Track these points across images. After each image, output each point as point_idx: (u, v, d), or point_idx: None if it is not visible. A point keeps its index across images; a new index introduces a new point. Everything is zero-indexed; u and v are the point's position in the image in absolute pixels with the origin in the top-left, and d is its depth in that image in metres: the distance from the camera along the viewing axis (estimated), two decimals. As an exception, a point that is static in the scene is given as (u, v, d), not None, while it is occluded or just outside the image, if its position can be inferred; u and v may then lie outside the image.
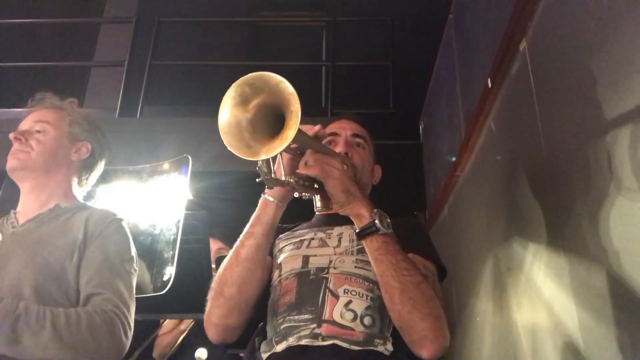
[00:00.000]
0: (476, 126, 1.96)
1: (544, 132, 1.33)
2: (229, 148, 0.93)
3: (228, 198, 2.92)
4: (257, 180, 1.00)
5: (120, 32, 4.42)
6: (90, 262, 1.25)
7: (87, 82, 4.71)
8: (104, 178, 1.84)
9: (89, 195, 1.65)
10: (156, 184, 1.86)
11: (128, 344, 1.21)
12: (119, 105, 3.68)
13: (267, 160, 0.98)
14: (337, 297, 1.07)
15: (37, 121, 1.42)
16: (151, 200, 1.84)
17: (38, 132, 1.40)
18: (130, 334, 1.22)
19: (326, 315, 1.05)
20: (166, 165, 1.89)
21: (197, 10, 4.74)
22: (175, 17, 4.55)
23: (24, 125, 1.42)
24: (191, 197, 2.20)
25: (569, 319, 1.18)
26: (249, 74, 0.93)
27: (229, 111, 0.94)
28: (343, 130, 1.34)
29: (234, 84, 0.94)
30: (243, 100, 0.95)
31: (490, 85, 1.75)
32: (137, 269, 1.35)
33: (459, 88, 2.41)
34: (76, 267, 1.25)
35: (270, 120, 0.95)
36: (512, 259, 1.59)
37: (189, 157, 1.84)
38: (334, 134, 1.33)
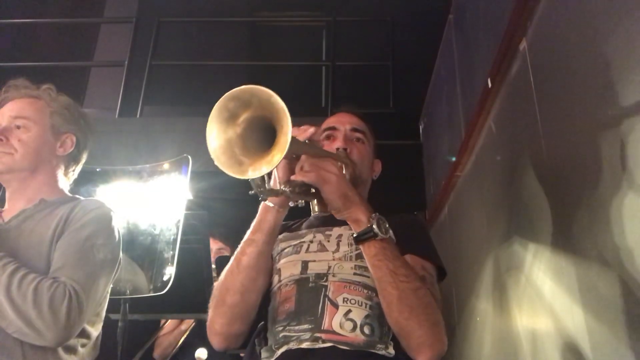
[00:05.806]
0: (476, 126, 1.96)
1: (544, 132, 1.33)
2: (220, 167, 0.90)
3: (228, 198, 2.92)
4: (250, 192, 0.97)
5: (120, 32, 4.42)
6: (59, 246, 1.24)
7: (87, 82, 4.71)
8: (104, 178, 1.84)
9: (89, 195, 1.65)
10: (156, 184, 1.86)
11: (75, 326, 1.16)
12: (119, 105, 3.68)
13: None
14: (336, 306, 1.07)
15: (16, 116, 1.36)
16: (151, 200, 1.83)
17: (18, 128, 1.35)
18: (82, 318, 1.17)
19: (325, 325, 1.05)
20: (166, 165, 1.89)
21: (197, 10, 4.74)
22: (175, 17, 4.55)
23: (1, 121, 1.36)
24: (191, 197, 2.20)
25: (570, 319, 1.18)
26: (236, 88, 0.90)
27: (217, 128, 0.92)
28: (342, 124, 1.30)
29: (220, 99, 0.91)
30: (231, 115, 0.92)
31: (490, 85, 1.75)
32: (112, 256, 1.31)
33: (459, 88, 2.41)
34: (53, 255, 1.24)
35: (261, 133, 0.92)
36: (512, 259, 1.59)
37: (189, 157, 1.83)
38: (332, 128, 1.30)
